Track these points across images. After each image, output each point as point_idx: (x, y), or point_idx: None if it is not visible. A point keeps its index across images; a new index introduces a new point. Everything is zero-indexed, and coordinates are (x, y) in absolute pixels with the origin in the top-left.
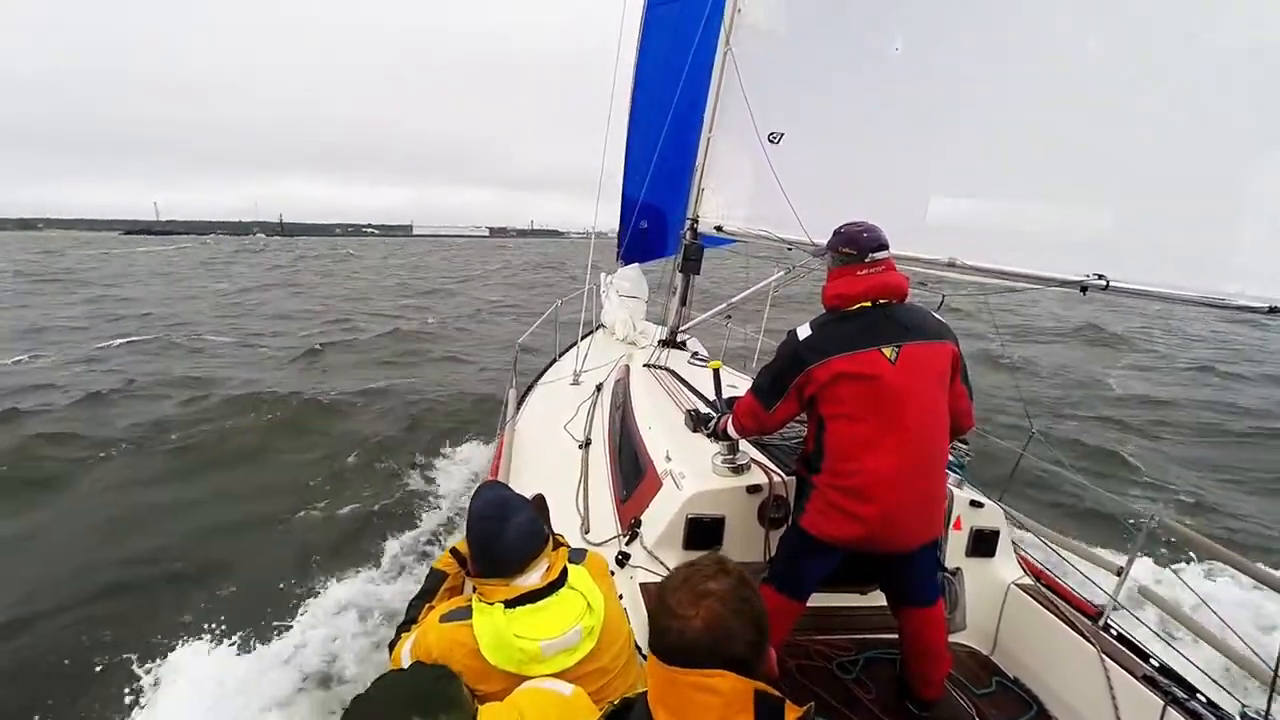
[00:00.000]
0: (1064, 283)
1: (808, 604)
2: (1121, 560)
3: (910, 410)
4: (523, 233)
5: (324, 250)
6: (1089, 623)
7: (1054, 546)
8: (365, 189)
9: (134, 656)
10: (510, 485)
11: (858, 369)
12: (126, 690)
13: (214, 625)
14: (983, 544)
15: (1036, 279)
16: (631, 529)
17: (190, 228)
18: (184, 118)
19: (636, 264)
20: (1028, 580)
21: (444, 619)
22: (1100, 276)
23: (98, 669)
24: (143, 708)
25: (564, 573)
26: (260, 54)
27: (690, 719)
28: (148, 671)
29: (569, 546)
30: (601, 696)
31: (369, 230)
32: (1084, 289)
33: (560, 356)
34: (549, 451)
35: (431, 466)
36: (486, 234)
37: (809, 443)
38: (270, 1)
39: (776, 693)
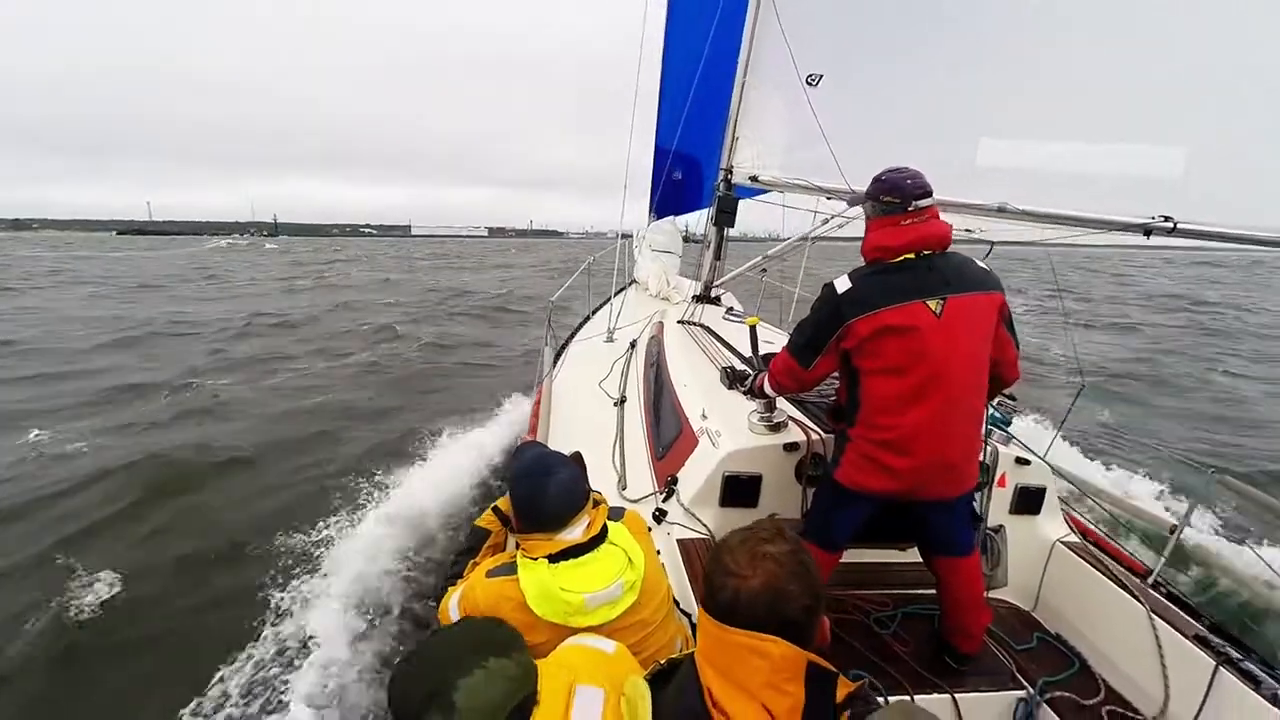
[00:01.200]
0: (1126, 226)
1: (847, 560)
2: (1177, 518)
3: (954, 364)
4: (521, 233)
5: (318, 258)
6: (1138, 580)
7: (1104, 504)
8: (362, 189)
9: None
10: (547, 443)
11: (901, 322)
12: None
13: None
14: (1028, 501)
15: (1095, 223)
16: (668, 486)
17: (183, 228)
18: (180, 118)
19: (671, 217)
20: (1074, 538)
21: (490, 574)
22: (1167, 218)
23: None
24: None
25: (604, 529)
26: (258, 55)
27: (738, 679)
28: None
29: (608, 505)
30: (641, 648)
31: (366, 230)
32: (1148, 232)
33: (594, 314)
34: (585, 409)
35: None
36: (485, 234)
37: (841, 395)
38: (267, 1)
39: (829, 665)
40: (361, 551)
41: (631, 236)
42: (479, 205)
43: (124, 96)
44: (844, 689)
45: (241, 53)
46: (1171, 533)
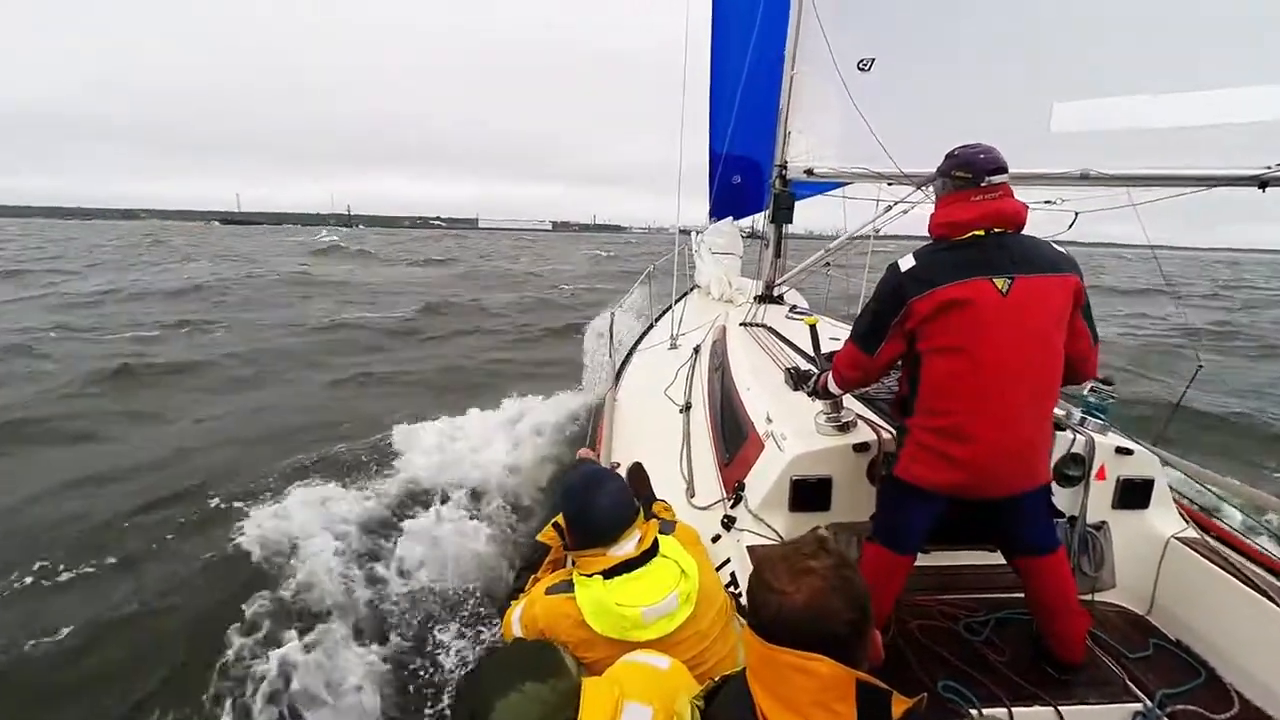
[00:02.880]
0: (1234, 180)
1: (932, 562)
2: None
3: (1021, 346)
4: (585, 227)
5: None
6: (1274, 579)
7: (1229, 494)
8: (429, 184)
9: None
10: (613, 454)
11: (963, 298)
12: None
13: None
14: (1133, 494)
15: (1198, 180)
16: (736, 492)
17: (268, 219)
18: (264, 117)
19: (730, 218)
20: (1192, 533)
21: (549, 591)
22: None
23: None
24: None
25: (655, 543)
26: (336, 56)
27: (785, 698)
28: None
29: (663, 519)
30: (701, 660)
31: (436, 223)
32: (1263, 184)
33: (657, 321)
34: (650, 418)
35: None
36: (550, 228)
37: (903, 384)
38: (347, 6)
39: (880, 683)
40: None
41: (690, 233)
42: (543, 200)
43: (213, 96)
44: (900, 706)
45: (317, 53)
46: None
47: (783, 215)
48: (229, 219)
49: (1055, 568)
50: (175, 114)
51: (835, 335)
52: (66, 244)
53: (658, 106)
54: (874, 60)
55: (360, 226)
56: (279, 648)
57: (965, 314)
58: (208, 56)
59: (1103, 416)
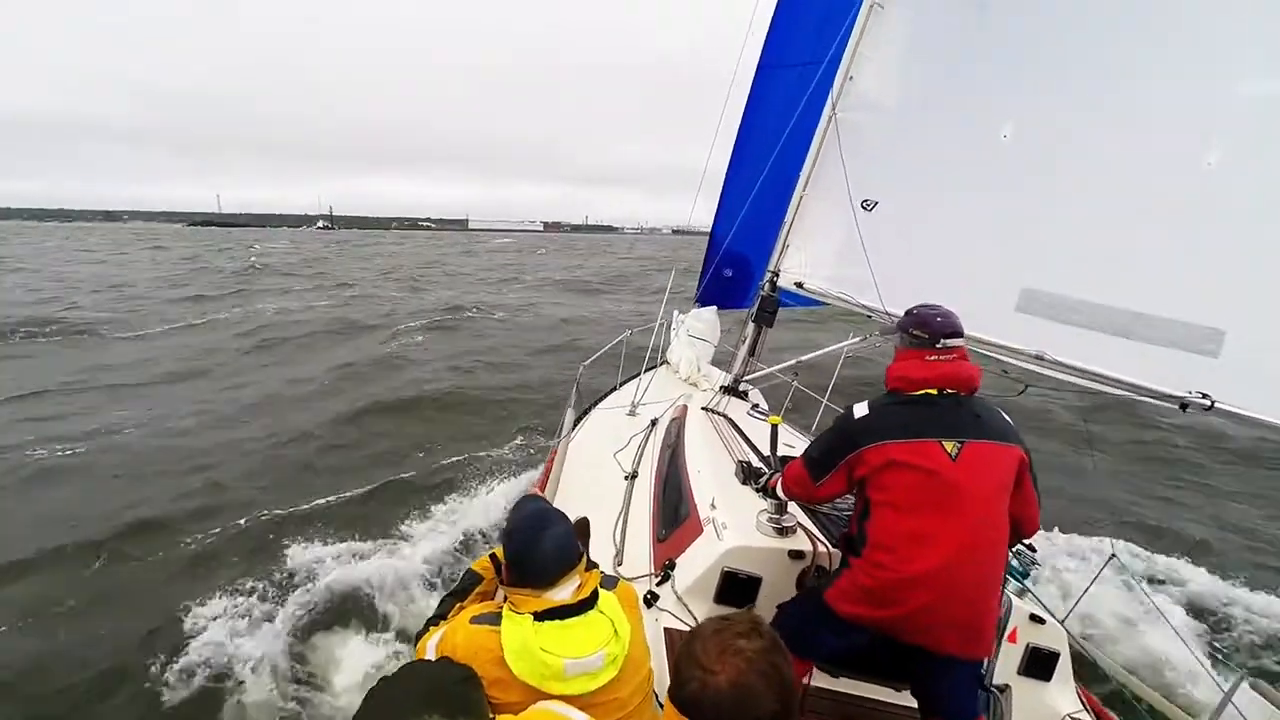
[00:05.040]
0: (1161, 396)
1: (832, 686)
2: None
3: (967, 511)
4: (577, 228)
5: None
6: None
7: (1125, 685)
8: (422, 185)
9: None
10: (553, 502)
11: (913, 459)
12: None
13: None
14: (1038, 665)
15: (1131, 387)
16: (665, 570)
17: (250, 220)
18: (253, 116)
19: (713, 307)
20: (1086, 717)
21: (474, 620)
22: (1205, 395)
23: None
24: None
25: (594, 594)
26: (327, 57)
27: None
28: None
29: (605, 573)
30: None
31: (426, 224)
32: (1184, 406)
33: (620, 385)
34: (595, 477)
35: None
36: (541, 229)
37: (853, 524)
38: (337, 7)
39: None
40: None
41: (671, 320)
42: (535, 201)
43: (199, 96)
44: None
45: (308, 54)
46: None
47: (765, 317)
48: (209, 221)
49: None
50: (161, 115)
51: (789, 442)
52: None
53: (654, 109)
54: (877, 203)
55: (356, 230)
56: None
57: (914, 474)
58: (196, 57)
59: (1023, 580)
